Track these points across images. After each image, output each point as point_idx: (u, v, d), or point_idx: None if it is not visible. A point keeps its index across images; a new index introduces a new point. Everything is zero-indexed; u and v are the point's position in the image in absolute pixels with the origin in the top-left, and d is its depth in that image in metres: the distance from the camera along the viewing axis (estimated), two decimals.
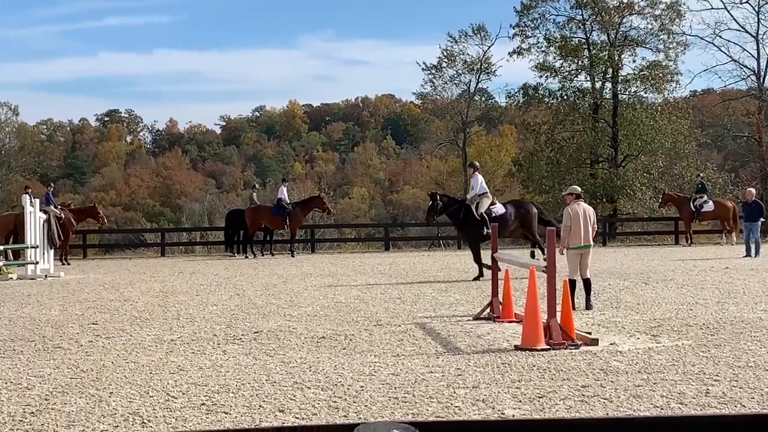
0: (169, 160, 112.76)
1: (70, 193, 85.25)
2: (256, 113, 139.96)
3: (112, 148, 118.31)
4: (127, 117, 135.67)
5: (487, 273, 21.96)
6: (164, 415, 8.75)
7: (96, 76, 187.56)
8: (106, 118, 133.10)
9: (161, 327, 15.15)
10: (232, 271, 28.23)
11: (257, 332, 14.22)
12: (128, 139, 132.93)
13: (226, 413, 8.77)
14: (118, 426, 8.40)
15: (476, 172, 23.64)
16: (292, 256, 36.52)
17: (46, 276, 26.74)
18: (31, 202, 28.13)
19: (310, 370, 10.92)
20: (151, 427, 8.36)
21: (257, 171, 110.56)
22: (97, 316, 16.74)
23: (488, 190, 23.55)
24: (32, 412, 8.94)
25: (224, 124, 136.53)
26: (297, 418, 8.61)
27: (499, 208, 23.12)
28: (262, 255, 37.08)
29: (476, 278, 22.38)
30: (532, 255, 23.55)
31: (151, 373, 10.98)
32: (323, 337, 13.61)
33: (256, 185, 48.21)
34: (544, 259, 23.78)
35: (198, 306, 18.19)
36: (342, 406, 9.03)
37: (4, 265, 27.29)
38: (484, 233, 22.43)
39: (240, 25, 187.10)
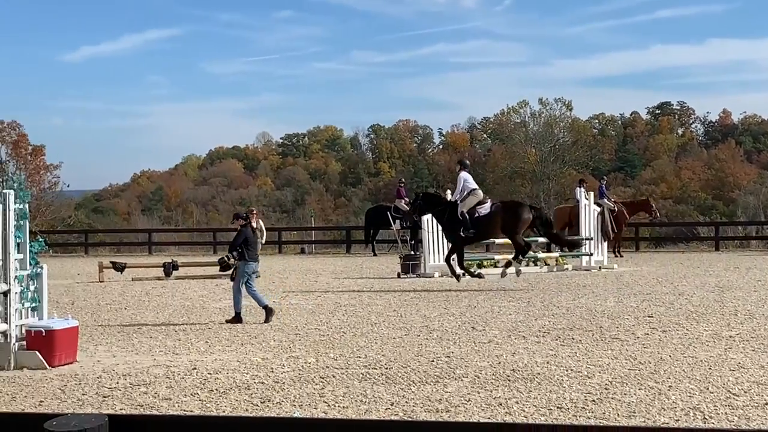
0: (722, 152, 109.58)
1: (621, 186, 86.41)
2: None
3: (664, 141, 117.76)
4: (678, 109, 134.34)
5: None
6: (726, 413, 8.43)
7: (647, 69, 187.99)
8: (657, 111, 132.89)
9: (718, 323, 14.70)
10: None
11: None
12: (679, 131, 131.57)
13: None
14: (678, 420, 8.25)
15: (462, 170, 22.06)
16: None
17: (599, 267, 27.25)
18: (585, 194, 28.89)
19: None
20: (712, 423, 8.10)
21: None
22: (652, 309, 16.67)
23: (475, 188, 21.64)
24: (593, 400, 9.10)
25: None
26: None
27: (485, 209, 21.30)
28: None
29: (457, 277, 21.60)
30: (507, 265, 21.65)
31: (709, 368, 10.67)
32: None
33: None
34: (518, 272, 21.30)
35: (756, 302, 17.39)
36: None
37: (560, 255, 28.32)
38: (462, 235, 21.20)
39: None
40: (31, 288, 12.42)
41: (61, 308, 17.12)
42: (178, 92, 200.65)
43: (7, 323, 11.98)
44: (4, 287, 11.99)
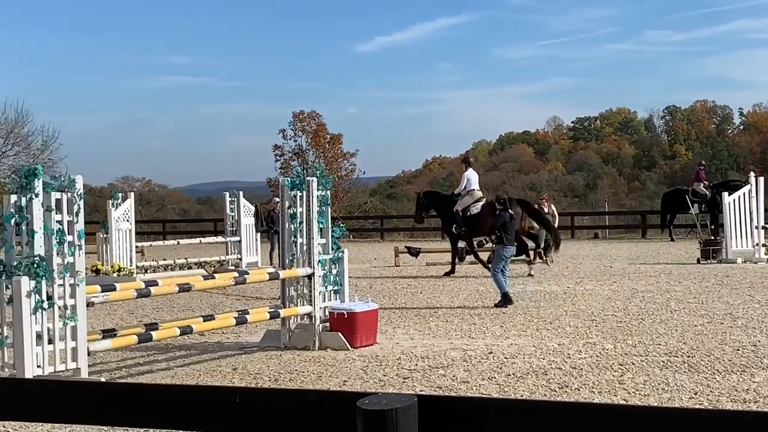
0: None
1: None
2: None
3: None
4: None
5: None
6: None
7: None
8: None
9: None
10: None
11: None
12: None
13: None
14: None
15: (468, 168, 22.84)
16: None
17: None
18: None
19: None
20: None
21: None
22: None
23: (476, 188, 22.63)
24: None
25: None
26: None
27: (476, 208, 22.10)
28: None
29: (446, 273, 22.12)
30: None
31: None
32: None
33: None
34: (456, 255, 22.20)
35: None
36: None
37: None
38: (454, 231, 22.12)
39: None
40: (333, 272, 12.92)
41: (360, 291, 17.75)
42: (468, 78, 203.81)
43: (311, 305, 12.53)
44: (308, 271, 12.55)
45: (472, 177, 22.79)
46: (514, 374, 10.20)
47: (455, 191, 23.27)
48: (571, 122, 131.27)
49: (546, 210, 26.49)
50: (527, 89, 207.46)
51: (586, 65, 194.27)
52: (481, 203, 22.40)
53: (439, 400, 3.13)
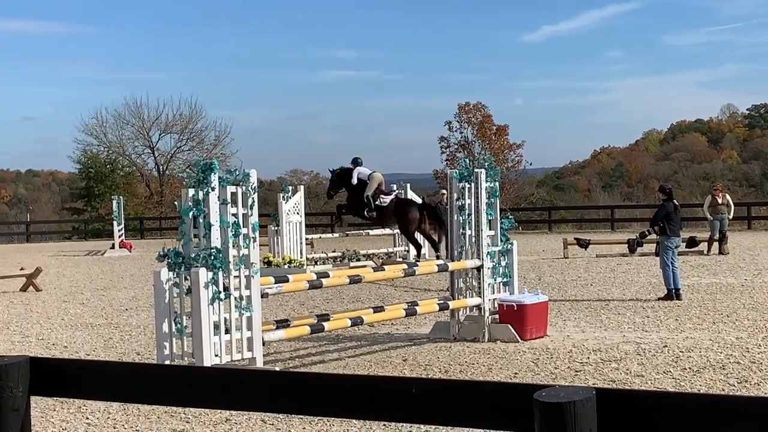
0: None
1: None
2: None
3: None
4: None
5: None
6: None
7: None
8: None
9: None
10: None
11: None
12: None
13: None
14: None
15: (357, 167, 22.23)
16: None
17: None
18: None
19: None
20: None
21: None
22: None
23: (372, 172, 21.86)
24: None
25: None
26: None
27: (385, 200, 21.57)
28: None
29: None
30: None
31: None
32: None
33: None
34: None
35: None
36: None
37: None
38: (366, 215, 21.89)
39: None
40: (502, 263, 12.83)
41: (529, 283, 17.58)
42: (637, 67, 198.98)
43: (480, 297, 12.48)
44: (477, 263, 12.50)
45: (363, 171, 22.33)
46: (690, 368, 9.89)
47: (353, 181, 22.48)
48: (747, 109, 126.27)
49: (720, 200, 25.60)
50: (699, 76, 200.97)
51: (762, 50, 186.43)
52: (390, 197, 22.00)
53: (619, 394, 3.05)
